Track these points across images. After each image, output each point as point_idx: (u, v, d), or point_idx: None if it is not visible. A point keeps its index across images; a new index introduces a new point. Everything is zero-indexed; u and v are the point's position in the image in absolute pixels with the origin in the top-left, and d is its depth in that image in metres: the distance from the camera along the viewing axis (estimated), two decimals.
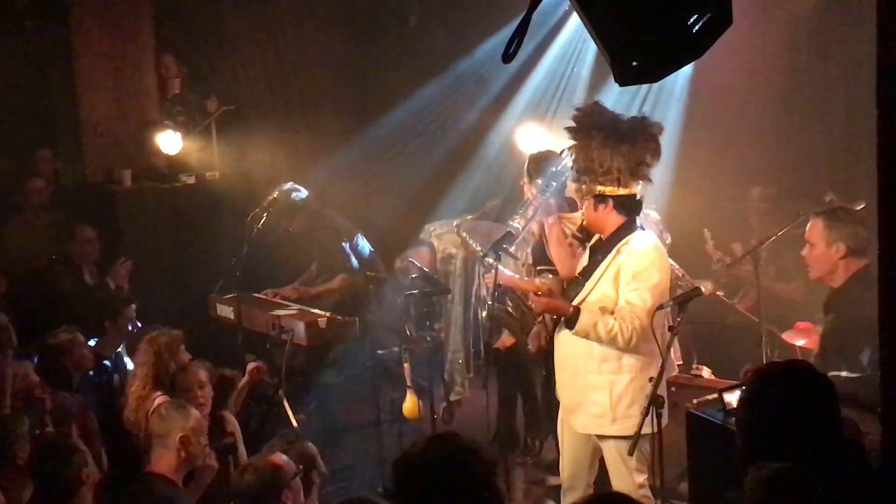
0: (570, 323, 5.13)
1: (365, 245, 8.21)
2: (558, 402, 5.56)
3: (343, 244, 8.00)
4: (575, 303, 5.19)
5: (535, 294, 5.34)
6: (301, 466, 4.83)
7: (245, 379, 6.54)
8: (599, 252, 5.25)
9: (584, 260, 5.42)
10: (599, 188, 5.12)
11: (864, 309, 4.88)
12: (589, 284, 5.20)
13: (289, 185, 7.79)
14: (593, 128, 5.10)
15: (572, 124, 5.21)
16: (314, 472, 5.03)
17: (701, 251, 7.89)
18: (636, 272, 5.04)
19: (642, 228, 5.23)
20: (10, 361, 5.75)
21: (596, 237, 5.38)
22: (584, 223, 5.39)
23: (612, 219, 5.18)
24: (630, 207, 5.17)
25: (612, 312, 5.07)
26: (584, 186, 5.19)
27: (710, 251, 7.88)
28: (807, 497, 2.83)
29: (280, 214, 7.71)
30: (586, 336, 5.11)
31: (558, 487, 5.79)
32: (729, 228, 8.18)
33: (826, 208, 5.46)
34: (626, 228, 5.16)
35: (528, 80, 8.93)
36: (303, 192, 7.84)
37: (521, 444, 7.35)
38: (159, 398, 5.78)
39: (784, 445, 3.13)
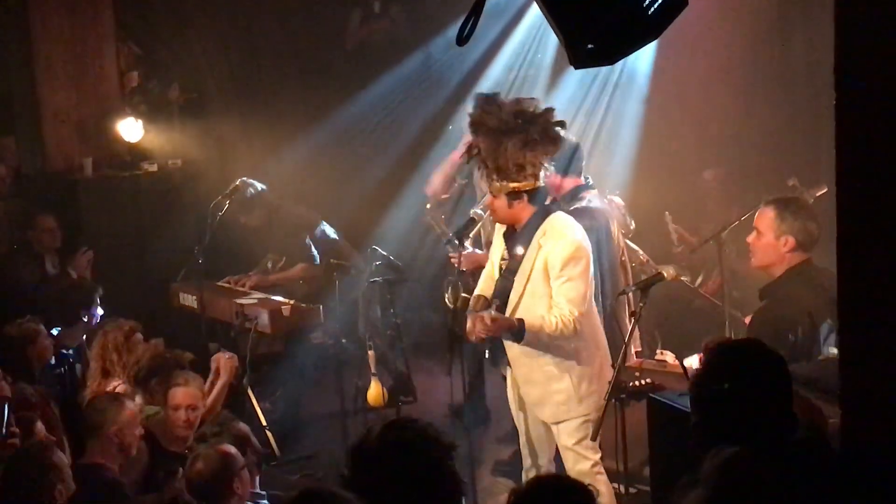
0: (518, 338, 5.12)
1: (330, 232, 8.16)
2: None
3: (304, 237, 7.95)
4: (512, 298, 5.18)
5: (486, 321, 5.13)
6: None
7: (224, 378, 6.09)
8: (519, 243, 5.21)
9: (498, 247, 5.39)
10: (514, 185, 5.08)
11: (798, 303, 4.90)
12: (519, 280, 5.18)
13: (241, 180, 7.73)
14: (504, 129, 5.01)
15: (479, 124, 5.11)
16: (248, 450, 4.98)
17: (664, 235, 7.90)
18: (563, 261, 5.03)
19: (547, 206, 5.20)
20: None
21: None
22: (496, 218, 5.35)
23: (526, 211, 5.17)
24: (542, 196, 5.19)
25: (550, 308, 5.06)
26: (496, 185, 5.12)
27: (671, 234, 7.89)
28: (761, 481, 2.83)
29: (237, 209, 7.66)
30: (538, 342, 5.11)
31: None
32: (689, 213, 8.19)
33: (778, 198, 5.40)
34: (539, 215, 5.15)
35: (490, 67, 8.91)
36: (257, 187, 7.79)
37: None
38: (118, 388, 5.74)
39: (736, 422, 3.16)
